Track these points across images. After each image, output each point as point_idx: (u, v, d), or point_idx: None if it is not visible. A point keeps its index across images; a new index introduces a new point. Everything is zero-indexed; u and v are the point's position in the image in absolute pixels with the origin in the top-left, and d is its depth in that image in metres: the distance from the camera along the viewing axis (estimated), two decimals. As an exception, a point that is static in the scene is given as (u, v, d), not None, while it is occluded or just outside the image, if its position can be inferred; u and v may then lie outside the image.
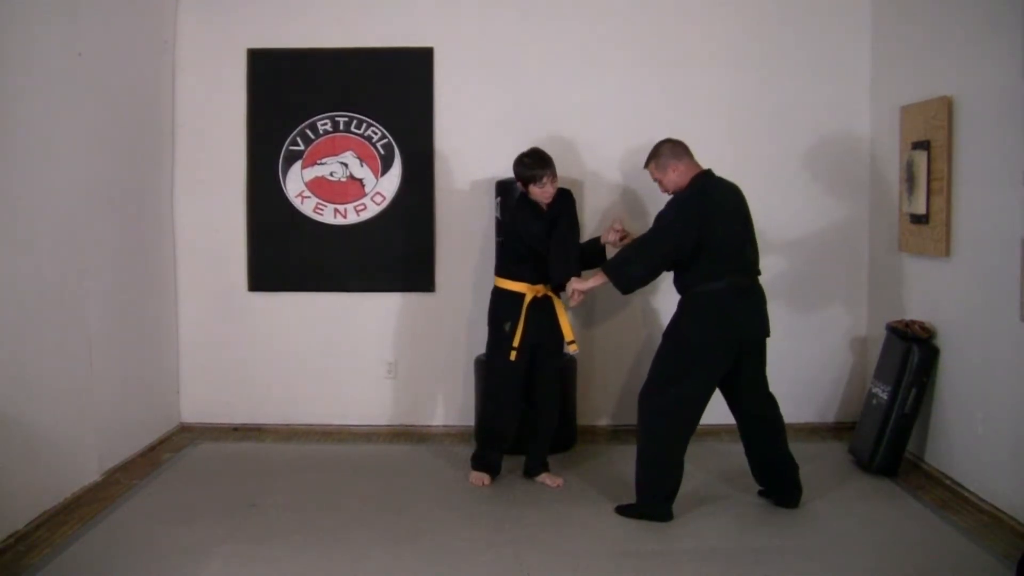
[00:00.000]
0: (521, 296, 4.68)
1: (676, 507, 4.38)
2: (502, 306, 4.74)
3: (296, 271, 5.86)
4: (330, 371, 5.88)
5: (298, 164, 5.79)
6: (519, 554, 3.89)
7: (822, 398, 5.82)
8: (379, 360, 5.87)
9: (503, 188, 5.35)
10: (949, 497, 4.50)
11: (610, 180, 5.69)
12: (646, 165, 4.46)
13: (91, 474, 4.72)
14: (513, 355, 4.65)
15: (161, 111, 5.68)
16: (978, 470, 4.44)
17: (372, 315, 5.86)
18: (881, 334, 5.16)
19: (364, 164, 5.79)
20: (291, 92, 5.77)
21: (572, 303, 4.62)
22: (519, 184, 4.71)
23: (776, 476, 4.48)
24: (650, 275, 4.31)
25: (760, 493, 4.57)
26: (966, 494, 4.48)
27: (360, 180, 5.80)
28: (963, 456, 4.56)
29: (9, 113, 4.06)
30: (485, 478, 4.79)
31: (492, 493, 4.67)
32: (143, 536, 4.11)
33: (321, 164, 5.79)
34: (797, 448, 5.35)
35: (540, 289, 4.70)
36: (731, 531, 4.17)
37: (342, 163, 5.79)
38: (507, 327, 4.68)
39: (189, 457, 5.29)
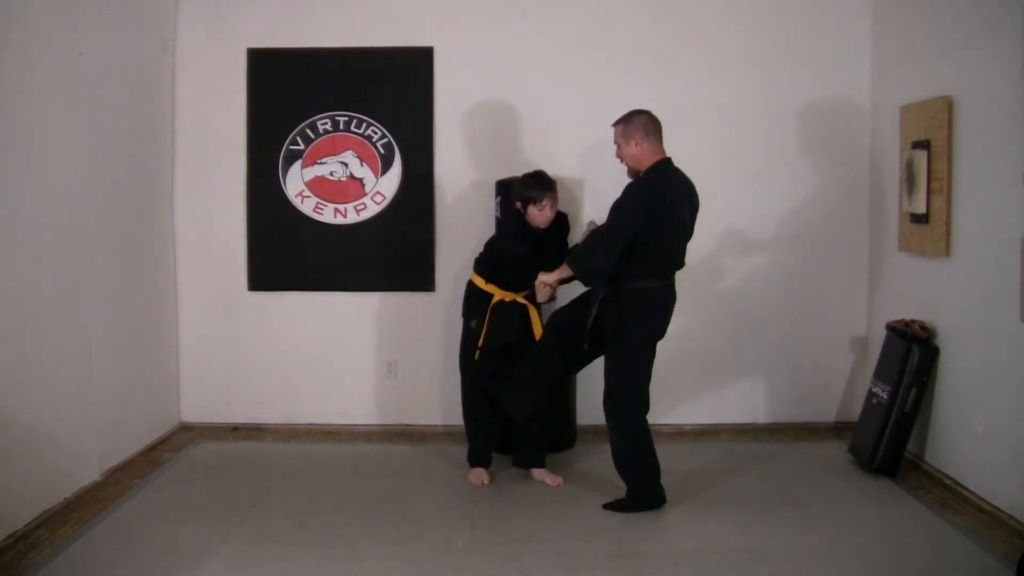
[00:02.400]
0: (489, 296, 4.74)
1: (675, 507, 4.40)
2: (472, 302, 4.83)
3: (296, 271, 5.86)
4: (330, 371, 5.87)
5: (298, 164, 5.79)
6: (519, 554, 3.89)
7: (822, 398, 5.82)
8: (379, 360, 5.87)
9: (503, 188, 5.35)
10: (949, 497, 4.50)
11: (610, 180, 5.64)
12: (615, 124, 4.42)
13: (91, 474, 4.72)
14: (476, 355, 4.75)
15: (161, 111, 5.68)
16: (978, 470, 4.44)
17: (372, 315, 5.86)
18: (881, 334, 5.16)
19: (364, 164, 5.79)
20: (291, 92, 5.77)
21: (540, 298, 4.62)
22: (518, 204, 4.71)
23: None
24: (611, 265, 4.28)
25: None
26: (966, 494, 4.48)
27: (360, 180, 5.80)
28: (963, 456, 4.56)
29: (9, 113, 4.05)
30: (483, 475, 4.80)
31: (492, 493, 4.67)
32: (143, 536, 4.11)
33: (321, 164, 5.79)
34: (797, 448, 5.40)
35: (510, 295, 4.74)
36: (731, 531, 4.17)
37: (342, 162, 5.79)
38: (474, 324, 4.77)
39: (189, 457, 5.29)
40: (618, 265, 4.27)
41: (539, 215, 4.64)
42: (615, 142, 4.41)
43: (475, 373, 4.82)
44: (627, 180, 4.46)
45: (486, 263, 4.84)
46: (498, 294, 4.75)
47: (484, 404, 4.84)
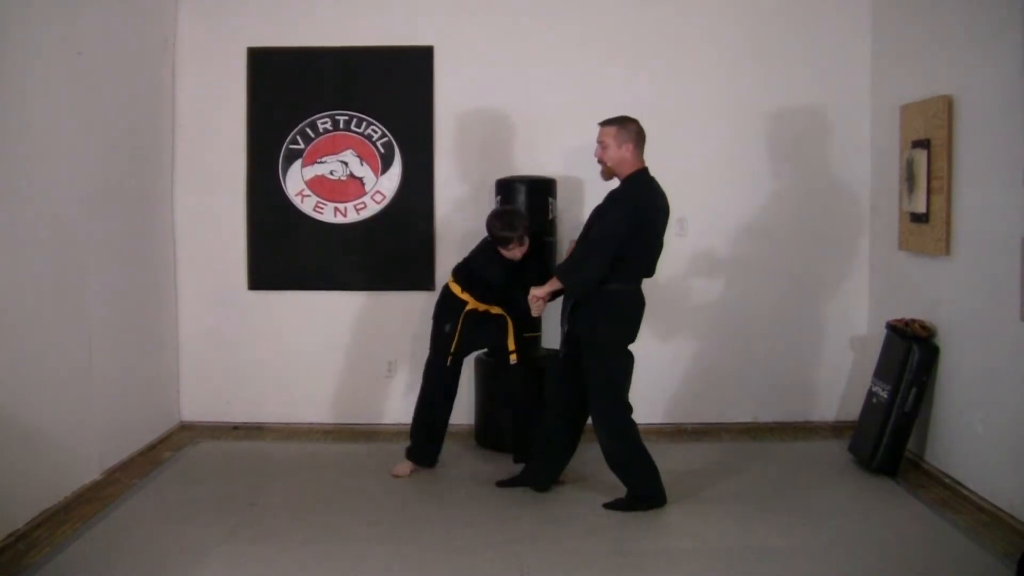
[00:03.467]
0: (463, 303, 4.79)
1: (676, 506, 4.40)
2: (445, 307, 4.86)
3: (296, 270, 5.86)
4: (330, 370, 5.88)
5: (298, 163, 5.79)
6: (519, 554, 3.89)
7: (822, 397, 5.82)
8: (379, 359, 5.87)
9: (503, 187, 5.35)
10: (949, 496, 4.50)
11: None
12: (605, 124, 4.40)
13: (91, 473, 4.72)
14: (449, 360, 4.80)
15: (161, 111, 5.68)
16: (978, 469, 4.44)
17: (372, 314, 5.86)
18: (881, 333, 5.16)
19: (364, 163, 5.80)
20: (291, 91, 5.77)
21: (534, 312, 4.61)
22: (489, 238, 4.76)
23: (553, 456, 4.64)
24: (601, 275, 4.29)
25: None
26: (966, 493, 4.48)
27: (360, 179, 5.80)
28: (963, 455, 4.56)
29: (9, 112, 4.05)
30: (409, 467, 4.91)
31: (492, 493, 4.67)
32: (143, 535, 4.11)
33: (321, 163, 5.79)
34: (797, 447, 5.40)
35: (483, 306, 4.81)
36: (731, 531, 4.17)
37: (342, 162, 5.79)
38: (447, 328, 4.80)
39: (189, 456, 5.29)
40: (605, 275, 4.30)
41: (508, 254, 4.70)
42: (602, 142, 4.39)
43: (444, 374, 4.86)
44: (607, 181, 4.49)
45: (464, 274, 4.86)
46: (472, 303, 4.80)
47: (443, 407, 4.92)
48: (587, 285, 4.32)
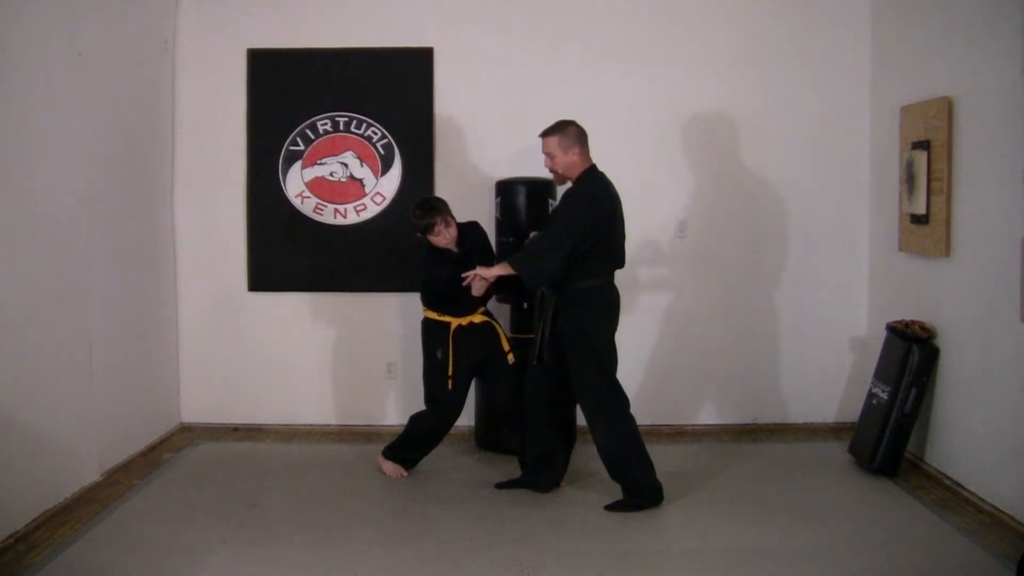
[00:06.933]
0: (448, 324, 4.76)
1: (675, 507, 4.40)
2: (432, 334, 4.82)
3: (296, 271, 5.86)
4: (330, 371, 5.88)
5: (298, 164, 5.80)
6: (519, 554, 3.90)
7: (822, 398, 5.82)
8: (379, 360, 5.88)
9: (503, 188, 5.35)
10: (949, 497, 4.50)
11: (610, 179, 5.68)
12: (546, 135, 4.46)
13: (91, 474, 4.72)
14: (450, 384, 4.75)
15: (161, 111, 5.68)
16: (978, 470, 4.44)
17: (372, 315, 5.86)
18: (881, 334, 5.16)
19: (364, 164, 5.80)
20: (291, 92, 5.77)
21: (475, 292, 4.57)
22: (419, 235, 4.73)
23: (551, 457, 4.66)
24: (560, 270, 4.31)
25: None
26: (966, 494, 4.48)
27: (360, 180, 5.80)
28: (963, 456, 4.57)
29: (9, 113, 4.06)
30: (403, 471, 4.92)
31: (492, 493, 4.67)
32: (143, 536, 4.11)
33: (321, 164, 5.80)
34: (797, 448, 5.40)
35: (465, 319, 4.78)
36: (731, 531, 4.17)
37: (342, 163, 5.79)
38: (439, 354, 4.77)
39: (189, 457, 5.29)
40: (564, 270, 4.32)
41: (438, 239, 4.67)
42: (548, 152, 4.45)
43: (451, 400, 4.79)
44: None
45: (433, 298, 4.83)
46: (455, 321, 4.78)
47: (441, 434, 4.92)
48: (542, 277, 4.35)
